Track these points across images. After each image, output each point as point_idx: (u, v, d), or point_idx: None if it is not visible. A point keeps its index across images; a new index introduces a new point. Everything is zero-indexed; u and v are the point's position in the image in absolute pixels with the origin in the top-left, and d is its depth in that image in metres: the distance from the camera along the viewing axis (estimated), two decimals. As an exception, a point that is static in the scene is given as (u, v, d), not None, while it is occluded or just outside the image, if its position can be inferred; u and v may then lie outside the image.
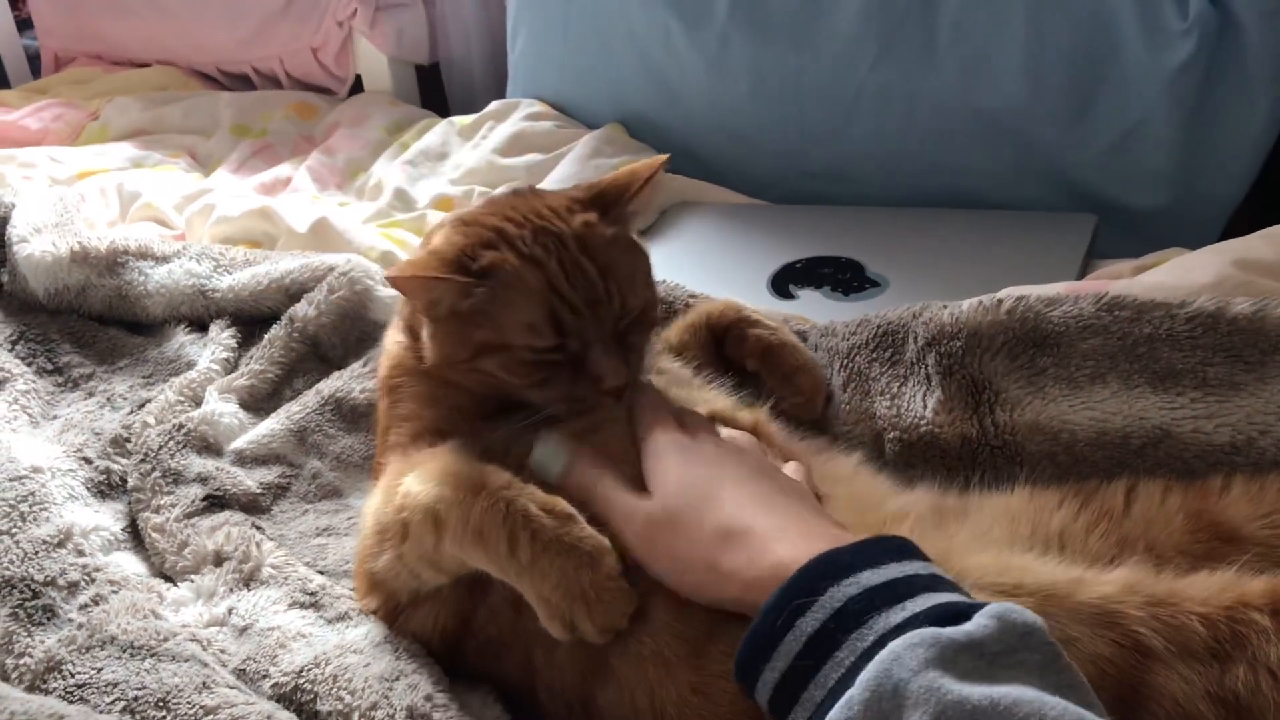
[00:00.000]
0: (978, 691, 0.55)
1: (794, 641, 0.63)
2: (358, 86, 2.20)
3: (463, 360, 0.86)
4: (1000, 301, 0.93)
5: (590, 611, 0.73)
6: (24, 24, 2.50)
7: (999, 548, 0.78)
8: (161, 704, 0.79)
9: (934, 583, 0.64)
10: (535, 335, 0.83)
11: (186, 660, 0.84)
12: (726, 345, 1.03)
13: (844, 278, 1.36)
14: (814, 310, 1.27)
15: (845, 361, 0.99)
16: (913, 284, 1.33)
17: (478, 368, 0.85)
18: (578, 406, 0.85)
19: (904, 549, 0.67)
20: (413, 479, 0.79)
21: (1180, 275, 1.02)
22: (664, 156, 0.95)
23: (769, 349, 1.00)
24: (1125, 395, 0.87)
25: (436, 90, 2.19)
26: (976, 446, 0.91)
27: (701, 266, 1.44)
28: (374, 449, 1.14)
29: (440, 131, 1.87)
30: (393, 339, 0.97)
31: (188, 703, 0.79)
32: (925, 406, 0.93)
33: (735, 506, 0.74)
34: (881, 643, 0.59)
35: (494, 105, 1.87)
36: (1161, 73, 1.36)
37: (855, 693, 0.57)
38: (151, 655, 0.85)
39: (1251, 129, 1.37)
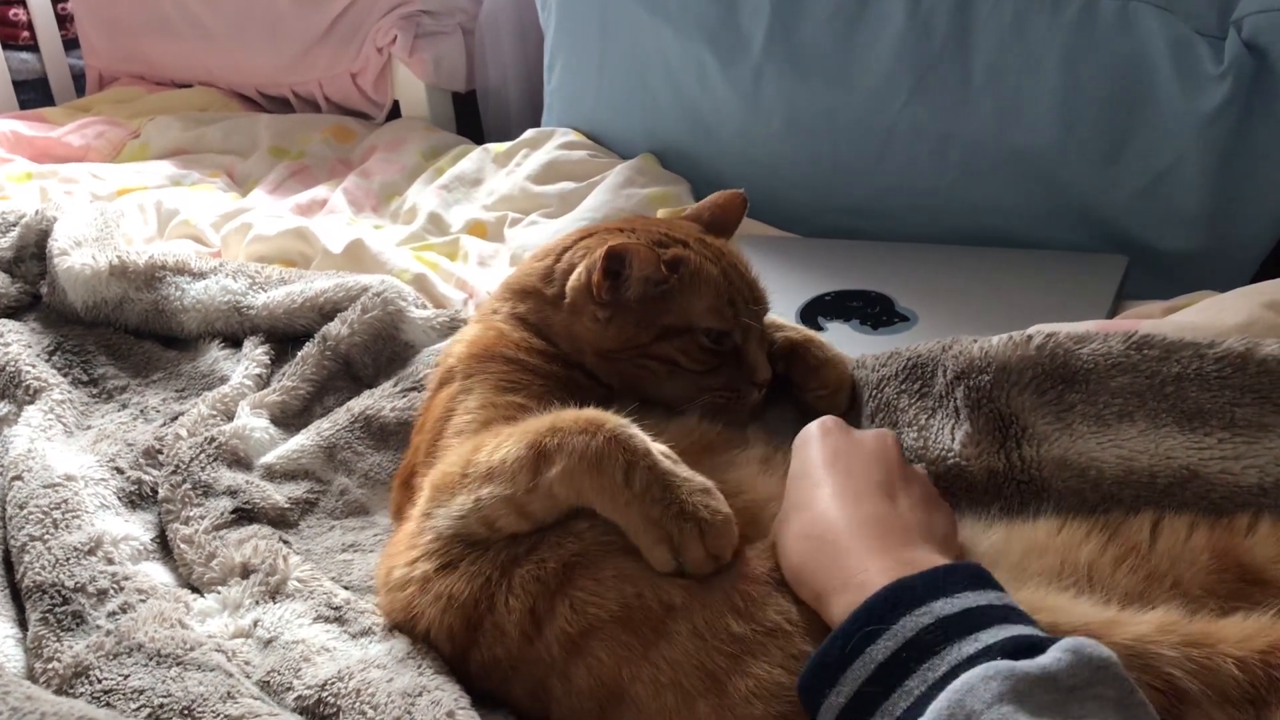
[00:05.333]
0: None
1: (862, 668, 0.63)
2: (395, 112, 2.23)
3: (642, 344, 0.94)
4: (1030, 337, 0.93)
5: (702, 534, 0.75)
6: (70, 44, 2.55)
7: (1032, 583, 0.78)
8: (186, 712, 0.80)
9: (1008, 614, 0.64)
10: (718, 318, 0.94)
11: (212, 670, 0.85)
12: None
13: (873, 311, 1.36)
14: (842, 343, 1.27)
15: (874, 392, 1.00)
16: (942, 320, 1.33)
17: (654, 352, 0.94)
18: (733, 395, 0.95)
19: (979, 577, 0.67)
20: (502, 438, 0.82)
21: (1210, 316, 1.01)
22: (740, 191, 1.10)
23: (795, 346, 1.03)
24: (1153, 434, 0.87)
25: (472, 118, 2.22)
26: (1003, 481, 0.91)
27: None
28: (402, 467, 1.16)
29: (475, 158, 1.89)
30: (480, 329, 1.00)
31: (212, 711, 0.80)
32: (953, 439, 0.93)
33: (838, 508, 0.76)
34: (954, 673, 0.59)
35: (529, 133, 1.89)
36: (1196, 116, 1.36)
37: None
38: (177, 664, 0.85)
39: (1285, 174, 1.36)
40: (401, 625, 0.88)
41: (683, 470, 0.78)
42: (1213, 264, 1.40)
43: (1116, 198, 1.45)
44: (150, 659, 0.86)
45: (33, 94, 2.50)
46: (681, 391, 0.94)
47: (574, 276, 0.96)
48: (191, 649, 0.87)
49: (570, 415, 0.81)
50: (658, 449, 0.79)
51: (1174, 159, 1.39)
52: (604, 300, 0.94)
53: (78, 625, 0.92)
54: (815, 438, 0.83)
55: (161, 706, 0.81)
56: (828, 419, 0.85)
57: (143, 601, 0.95)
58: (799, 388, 1.02)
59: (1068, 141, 1.45)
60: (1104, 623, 0.69)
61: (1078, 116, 1.43)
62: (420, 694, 0.80)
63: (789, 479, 0.82)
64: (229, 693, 0.82)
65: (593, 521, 0.80)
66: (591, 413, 0.81)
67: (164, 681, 0.83)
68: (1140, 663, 0.66)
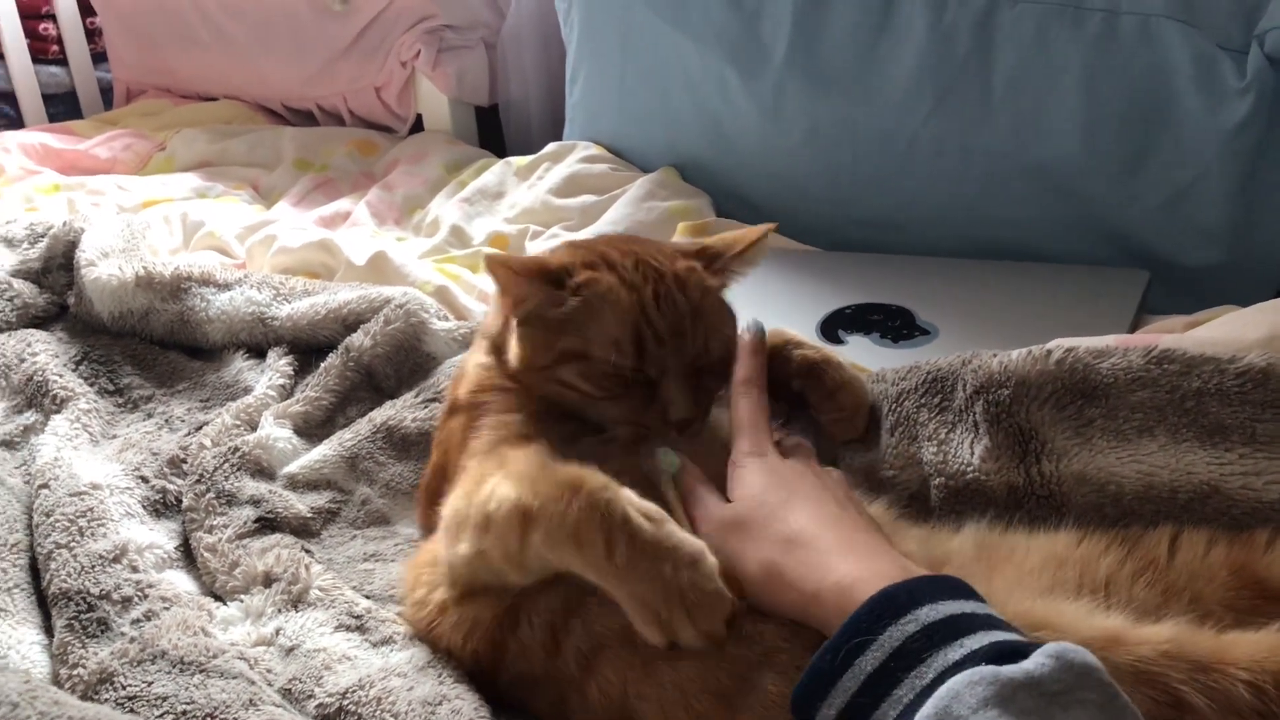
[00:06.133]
0: None
1: (852, 680, 0.64)
2: (418, 125, 2.24)
3: (544, 366, 0.90)
4: (1049, 352, 0.93)
5: (691, 615, 0.72)
6: (99, 57, 2.58)
7: (1048, 594, 0.78)
8: (209, 718, 0.81)
9: (990, 621, 0.65)
10: (618, 352, 0.88)
11: (234, 677, 0.86)
12: (773, 367, 1.04)
13: (893, 325, 1.36)
14: (862, 356, 1.28)
15: (893, 406, 1.00)
16: (962, 333, 1.33)
17: (557, 375, 0.90)
18: (639, 431, 0.89)
19: (959, 588, 0.68)
20: (500, 478, 0.80)
21: (1231, 331, 1.01)
22: (772, 225, 1.02)
23: (813, 366, 1.00)
24: (1173, 449, 0.87)
25: (495, 131, 2.23)
26: (1022, 495, 0.91)
27: (752, 309, 1.43)
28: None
29: (497, 171, 1.90)
30: (475, 360, 1.00)
31: (234, 719, 0.81)
32: (972, 454, 0.93)
33: (804, 519, 0.78)
34: (941, 679, 0.60)
35: (551, 147, 1.90)
36: (1218, 131, 1.36)
37: None
38: (200, 671, 0.86)
39: (1309, 188, 1.36)
40: (423, 639, 0.89)
41: (669, 537, 0.74)
42: (1235, 279, 1.39)
43: (1138, 212, 1.44)
44: (174, 666, 0.87)
45: (61, 107, 2.52)
46: (596, 416, 0.91)
47: (491, 304, 0.98)
48: (214, 656, 0.88)
49: (550, 476, 0.77)
50: (641, 510, 0.75)
51: (1196, 173, 1.39)
52: (513, 323, 0.93)
53: (102, 632, 0.93)
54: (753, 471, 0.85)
55: (184, 714, 0.82)
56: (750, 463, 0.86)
57: (166, 609, 0.96)
58: (815, 409, 1.00)
59: (1089, 155, 1.44)
60: (1112, 638, 0.69)
61: (1099, 130, 1.43)
62: (440, 702, 0.81)
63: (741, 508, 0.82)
64: (251, 700, 0.83)
65: None
66: (571, 473, 0.77)
67: (187, 689, 0.84)
68: (1148, 679, 0.67)
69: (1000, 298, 1.41)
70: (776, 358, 1.04)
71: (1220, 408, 0.87)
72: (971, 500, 0.93)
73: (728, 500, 0.84)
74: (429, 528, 0.96)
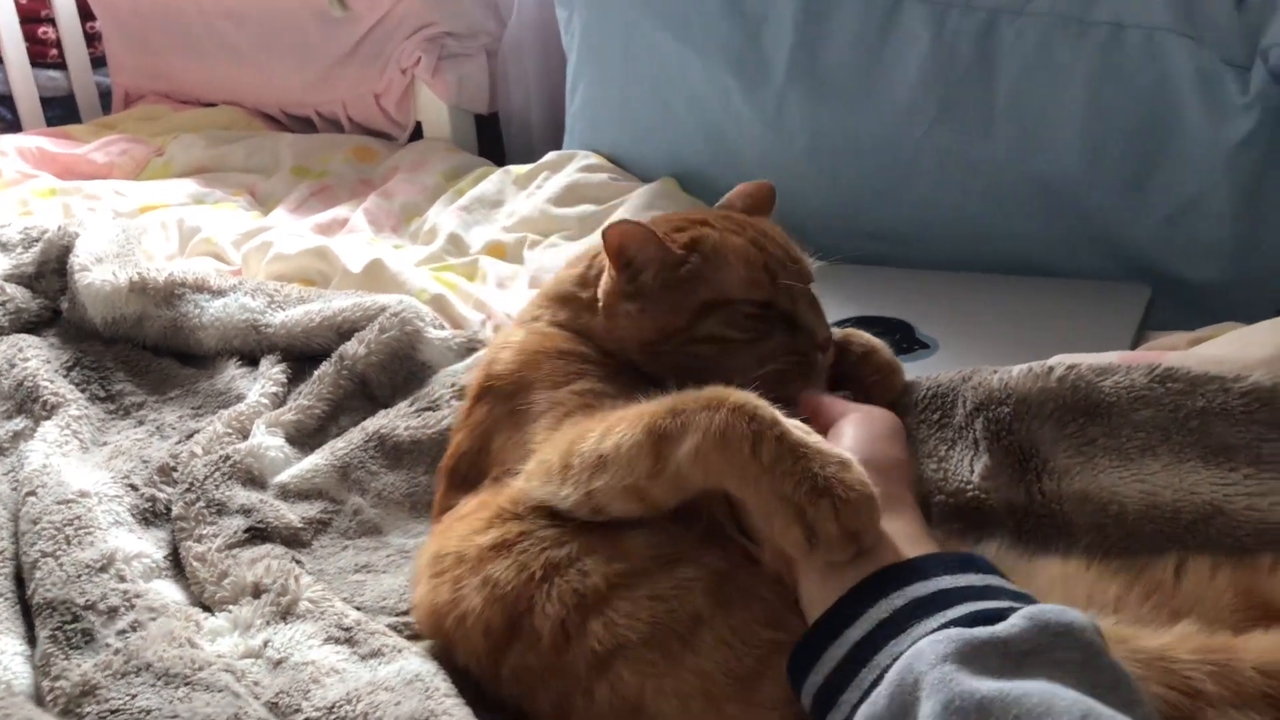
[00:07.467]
0: (989, 684, 0.56)
1: (839, 649, 0.66)
2: (418, 133, 2.23)
3: (681, 327, 0.90)
4: (1051, 369, 0.91)
5: (837, 509, 0.69)
6: (98, 61, 2.57)
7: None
8: (193, 733, 0.79)
9: (986, 592, 0.65)
10: (755, 288, 0.90)
11: (220, 691, 0.84)
12: None
13: (894, 338, 1.35)
14: (862, 370, 1.27)
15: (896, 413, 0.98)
16: (963, 348, 1.32)
17: (698, 332, 0.90)
18: (795, 360, 0.90)
19: (967, 562, 0.69)
20: (610, 424, 0.78)
21: (1236, 349, 1.00)
22: (766, 181, 1.08)
23: (839, 340, 0.99)
24: (1177, 469, 0.86)
25: (495, 139, 2.22)
26: (1022, 514, 0.90)
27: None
28: (414, 487, 1.15)
29: (496, 180, 1.89)
30: (526, 334, 0.97)
31: (219, 733, 0.79)
32: (972, 471, 0.92)
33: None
34: (915, 644, 0.61)
35: (550, 156, 1.89)
36: (1222, 146, 1.35)
37: (881, 688, 0.61)
38: (185, 684, 0.85)
39: (1312, 204, 1.35)
40: (441, 613, 0.85)
41: (816, 441, 0.72)
42: (1239, 295, 1.39)
43: (1141, 227, 1.44)
44: (158, 679, 0.85)
45: (59, 111, 2.52)
46: (740, 367, 0.88)
47: (603, 279, 0.95)
48: (200, 669, 0.87)
49: (690, 394, 0.76)
50: (789, 420, 0.73)
51: (1200, 188, 1.38)
52: (628, 292, 0.92)
53: (87, 643, 0.92)
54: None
55: (168, 728, 0.80)
56: None
57: (153, 620, 0.95)
58: (849, 379, 0.98)
59: (1092, 169, 1.44)
60: (1128, 633, 0.69)
61: (1102, 144, 1.42)
62: (428, 718, 0.79)
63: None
64: (236, 715, 0.81)
65: (647, 538, 0.78)
66: (712, 389, 0.76)
67: (171, 702, 0.82)
68: (1160, 665, 0.66)
69: (1001, 312, 1.40)
70: None
71: (1225, 427, 0.86)
72: (972, 518, 0.91)
73: None
74: (446, 509, 0.94)
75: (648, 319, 0.91)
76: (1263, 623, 0.76)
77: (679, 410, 0.75)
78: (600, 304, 0.95)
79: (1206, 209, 1.38)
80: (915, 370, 1.21)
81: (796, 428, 0.73)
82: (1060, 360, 0.93)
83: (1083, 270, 1.48)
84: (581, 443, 0.79)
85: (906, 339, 1.35)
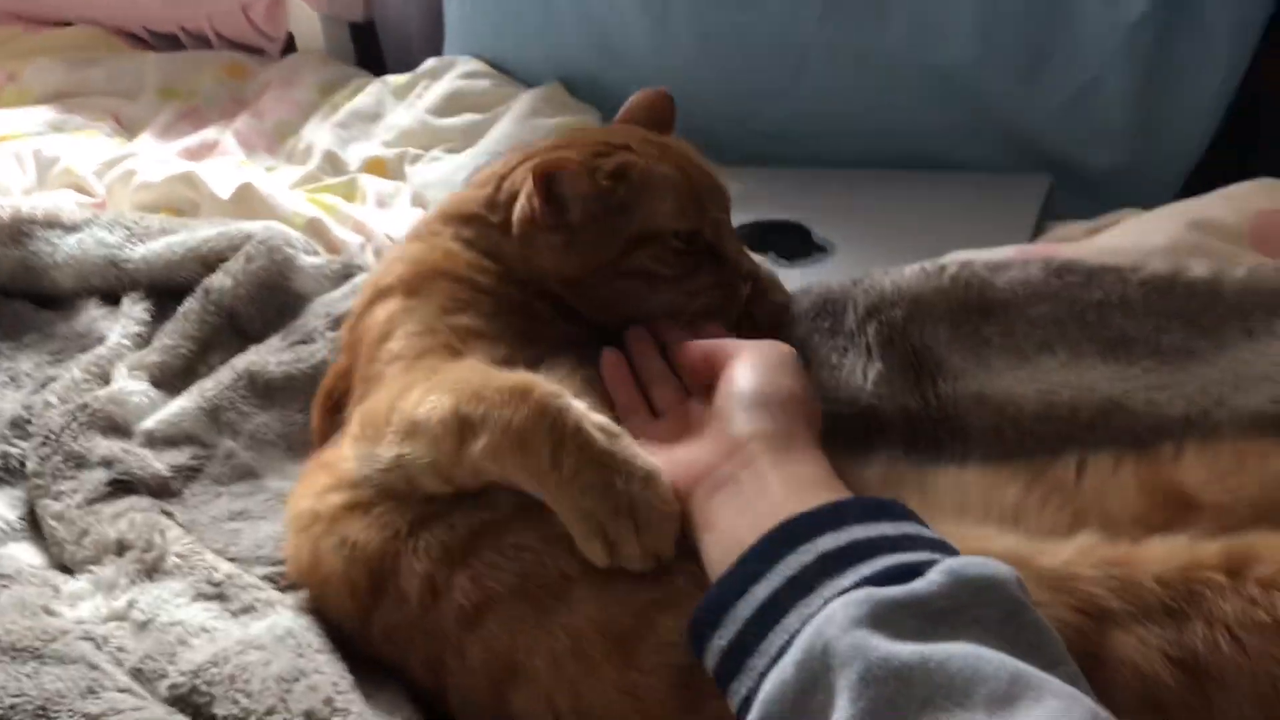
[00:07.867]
0: (908, 648, 0.53)
1: (745, 609, 0.62)
2: (291, 47, 2.11)
3: (611, 260, 0.87)
4: (943, 268, 0.88)
5: (638, 530, 0.68)
6: (-58, -18, 2.40)
7: (956, 521, 0.74)
8: (41, 712, 0.73)
9: (901, 543, 0.62)
10: (684, 218, 0.87)
11: (74, 662, 0.78)
12: None
13: (790, 243, 1.32)
14: (759, 277, 1.23)
15: (785, 333, 0.94)
16: (861, 249, 1.29)
17: (627, 266, 0.87)
18: (720, 294, 0.89)
19: (880, 509, 0.65)
20: (430, 385, 0.74)
21: (1135, 238, 0.98)
22: (662, 89, 1.04)
23: None
24: (1074, 366, 0.83)
25: (373, 48, 2.11)
26: (918, 421, 0.86)
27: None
28: (290, 426, 1.09)
29: (373, 91, 1.80)
30: (423, 247, 0.92)
31: (69, 710, 0.73)
32: (865, 379, 0.88)
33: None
34: (827, 607, 0.57)
35: (429, 63, 1.80)
36: (1117, 27, 1.33)
37: (789, 656, 0.57)
38: (35, 658, 0.78)
39: (1210, 85, 1.34)
40: (305, 572, 0.83)
41: (622, 450, 0.70)
42: (1139, 180, 1.38)
43: (1040, 113, 1.42)
44: (4, 654, 0.78)
45: (-98, 37, 2.35)
46: (667, 303, 0.88)
47: (518, 207, 0.89)
48: (52, 640, 0.80)
49: (497, 381, 0.72)
50: (595, 423, 0.70)
51: (1096, 71, 1.36)
52: (553, 225, 0.87)
53: (-68, 617, 0.85)
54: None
55: (13, 708, 0.74)
56: None
57: (5, 589, 0.89)
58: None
59: (986, 57, 1.41)
60: (1030, 552, 0.67)
61: (996, 30, 1.39)
62: (298, 679, 0.74)
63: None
64: (90, 687, 0.75)
65: (516, 491, 0.74)
66: (520, 378, 0.72)
67: (17, 679, 0.76)
68: (1065, 586, 0.64)
69: (899, 209, 1.38)
70: None
71: (1123, 319, 0.83)
72: (867, 427, 0.88)
73: None
74: (325, 436, 0.91)
75: (574, 253, 0.87)
76: (1166, 512, 0.74)
77: (482, 397, 0.71)
78: (516, 232, 0.90)
79: (1104, 92, 1.37)
80: (813, 275, 1.18)
81: (601, 432, 0.70)
82: (953, 258, 0.91)
83: (983, 162, 1.46)
84: (405, 398, 0.75)
85: (804, 242, 1.32)
